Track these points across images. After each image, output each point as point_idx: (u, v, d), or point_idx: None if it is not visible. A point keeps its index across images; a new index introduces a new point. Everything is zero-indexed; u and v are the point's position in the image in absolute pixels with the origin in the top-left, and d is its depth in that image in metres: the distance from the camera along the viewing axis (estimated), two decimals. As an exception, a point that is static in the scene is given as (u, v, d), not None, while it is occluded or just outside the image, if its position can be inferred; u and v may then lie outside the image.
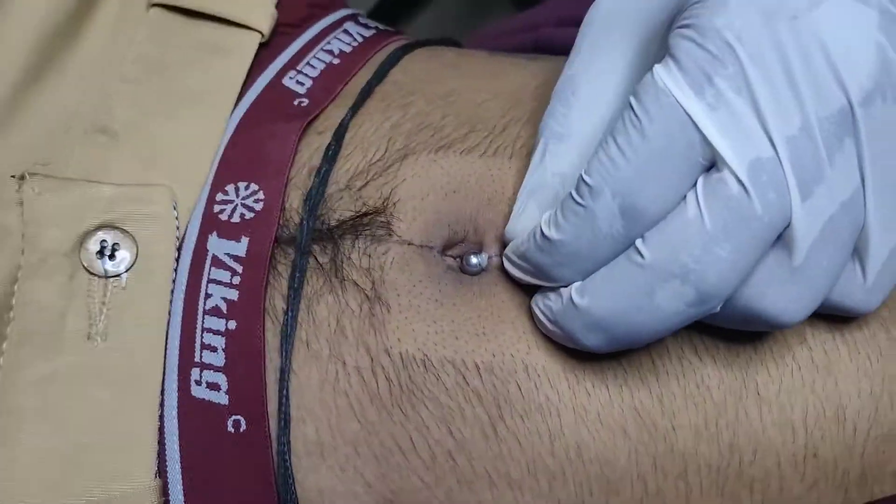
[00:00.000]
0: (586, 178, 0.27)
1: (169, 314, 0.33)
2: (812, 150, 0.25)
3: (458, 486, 0.31)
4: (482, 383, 0.31)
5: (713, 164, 0.26)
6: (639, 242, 0.26)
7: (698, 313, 0.26)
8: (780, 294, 0.27)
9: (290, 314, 0.32)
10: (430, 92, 0.38)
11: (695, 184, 0.26)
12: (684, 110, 0.25)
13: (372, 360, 0.31)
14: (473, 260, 0.33)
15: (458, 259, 0.33)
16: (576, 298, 0.28)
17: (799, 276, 0.26)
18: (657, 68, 0.26)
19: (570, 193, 0.28)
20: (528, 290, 0.32)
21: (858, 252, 0.28)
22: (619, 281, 0.27)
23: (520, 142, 0.35)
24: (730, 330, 0.30)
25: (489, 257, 0.33)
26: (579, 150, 0.31)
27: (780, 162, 0.25)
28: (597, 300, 0.27)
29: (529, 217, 0.31)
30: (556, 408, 0.30)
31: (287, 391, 0.31)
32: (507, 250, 0.32)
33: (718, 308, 0.26)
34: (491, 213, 0.33)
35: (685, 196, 0.26)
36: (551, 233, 0.28)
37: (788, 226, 0.26)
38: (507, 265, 0.32)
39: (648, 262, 0.26)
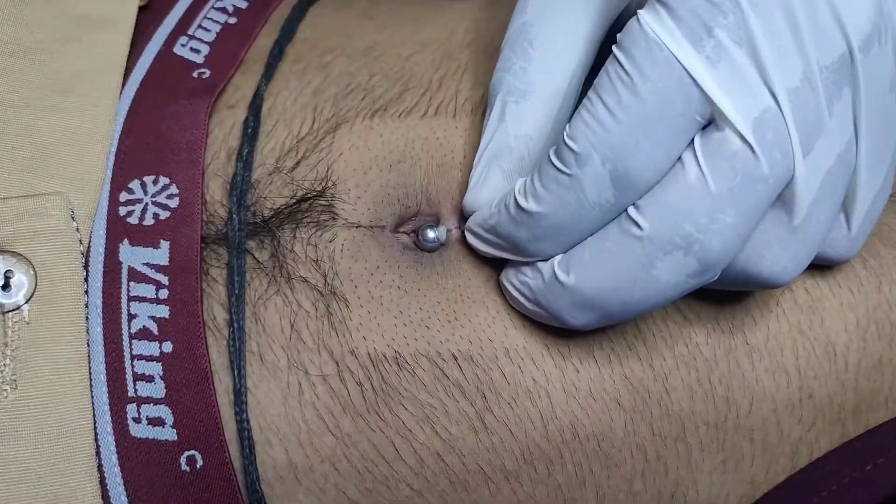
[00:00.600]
0: (571, 143, 0.24)
1: (88, 345, 0.28)
2: (814, 103, 0.23)
3: (452, 487, 0.28)
4: (462, 374, 0.28)
5: (710, 121, 0.24)
6: (633, 212, 0.24)
7: (698, 283, 0.24)
8: (778, 255, 0.25)
9: (235, 325, 0.28)
10: (349, 48, 0.34)
11: (689, 144, 0.24)
12: (682, 66, 0.23)
13: (337, 364, 0.28)
14: (430, 234, 0.29)
15: (412, 235, 0.30)
16: (561, 275, 0.25)
17: (797, 234, 0.25)
18: (644, 15, 0.23)
19: (550, 160, 0.25)
20: (495, 263, 0.29)
21: (845, 202, 0.26)
22: (613, 255, 0.24)
23: (461, 97, 0.31)
24: None
25: (447, 230, 0.30)
26: (545, 109, 0.27)
27: (784, 117, 0.23)
28: (586, 277, 0.25)
29: (493, 185, 0.28)
30: (545, 389, 0.28)
31: (246, 413, 0.28)
32: (471, 223, 0.28)
33: (717, 276, 0.24)
34: (443, 182, 0.30)
35: (680, 158, 0.24)
36: (529, 204, 0.25)
37: (788, 184, 0.24)
38: (471, 240, 0.29)
39: (647, 233, 0.23)
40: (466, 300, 0.29)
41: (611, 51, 0.24)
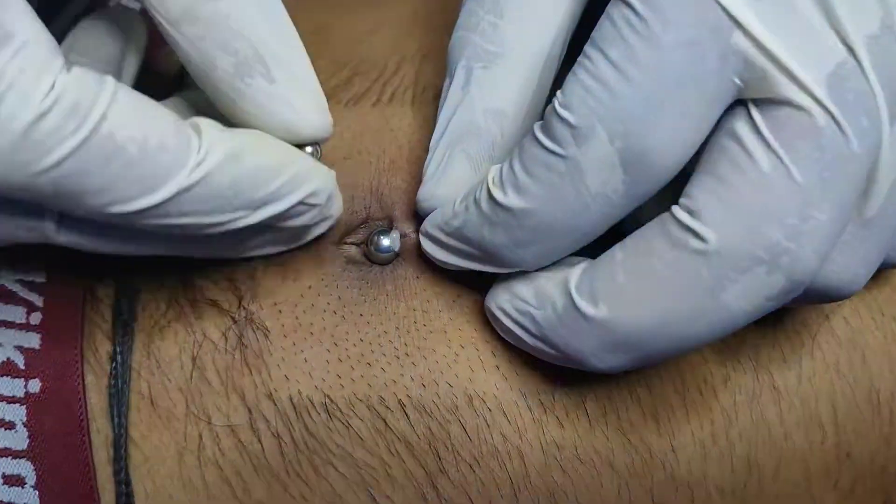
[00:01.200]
0: (566, 113, 0.18)
1: None
2: None
3: (394, 573, 0.22)
4: (411, 426, 0.22)
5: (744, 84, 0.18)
6: (689, 219, 0.18)
7: (777, 306, 0.19)
8: (849, 257, 0.19)
9: (119, 359, 0.22)
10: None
11: (725, 117, 0.18)
12: (719, 4, 0.17)
13: (250, 411, 0.22)
14: (384, 242, 0.24)
15: (362, 246, 0.24)
16: (584, 306, 0.19)
17: (870, 229, 0.19)
18: None
19: (536, 138, 0.19)
20: (463, 278, 0.23)
21: None
22: (663, 278, 0.18)
23: (422, 82, 0.26)
24: None
25: (401, 235, 0.24)
26: (523, 76, 0.22)
27: (864, 73, 0.17)
28: (625, 308, 0.19)
29: (456, 175, 0.22)
30: (518, 448, 0.22)
31: (126, 473, 0.21)
32: (428, 225, 0.23)
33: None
34: (398, 180, 0.24)
35: (734, 137, 0.18)
36: (509, 199, 0.19)
37: None
38: (428, 247, 0.23)
39: (716, 246, 0.18)
40: (422, 329, 0.23)
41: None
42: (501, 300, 0.21)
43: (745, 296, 0.18)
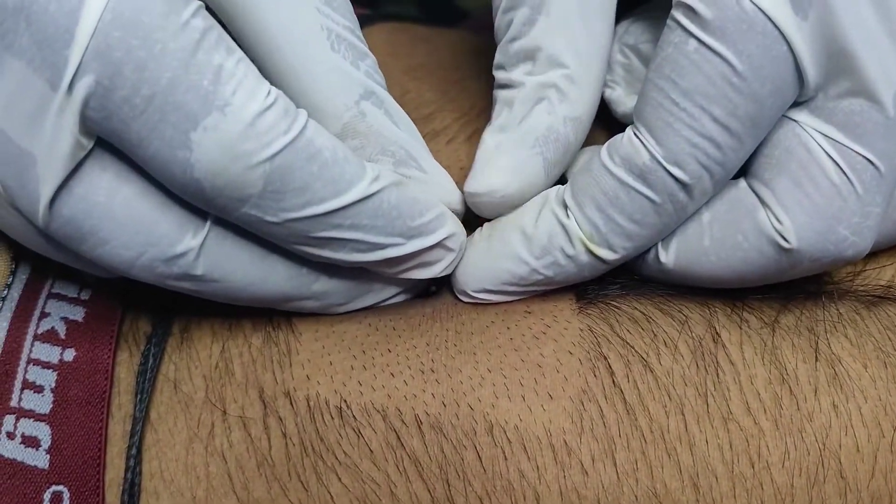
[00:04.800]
0: (676, 171, 0.20)
1: None
2: None
3: None
4: (424, 446, 0.20)
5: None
6: (776, 222, 0.20)
7: None
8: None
9: (156, 337, 0.22)
10: (392, 66, 0.30)
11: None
12: (781, 32, 0.19)
13: (265, 406, 0.21)
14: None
15: None
16: (665, 259, 0.22)
17: None
18: None
19: (639, 191, 0.21)
20: (499, 307, 0.23)
21: None
22: (747, 255, 0.21)
23: None
24: (794, 371, 0.21)
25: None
26: (595, 82, 0.23)
27: None
28: (703, 267, 0.22)
29: (531, 175, 0.23)
30: (534, 489, 0.20)
31: (138, 451, 0.21)
32: (483, 285, 0.23)
33: None
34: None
35: (790, 141, 0.21)
36: (617, 253, 0.22)
37: None
38: (485, 297, 0.23)
39: (797, 246, 0.20)
40: (451, 348, 0.22)
41: None
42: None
43: (809, 272, 0.21)
